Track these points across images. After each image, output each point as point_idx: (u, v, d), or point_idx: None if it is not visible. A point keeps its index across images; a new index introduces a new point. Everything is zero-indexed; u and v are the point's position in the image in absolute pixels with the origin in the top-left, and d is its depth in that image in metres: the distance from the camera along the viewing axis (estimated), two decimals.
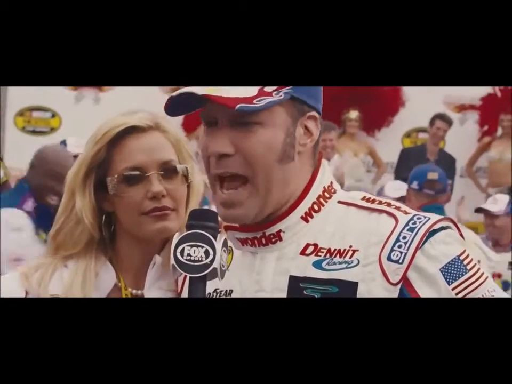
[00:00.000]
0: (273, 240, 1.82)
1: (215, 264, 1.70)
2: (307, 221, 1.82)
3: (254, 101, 1.72)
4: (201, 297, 1.72)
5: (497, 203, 6.82)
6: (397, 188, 6.34)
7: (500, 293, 1.78)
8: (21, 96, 8.98)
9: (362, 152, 9.68)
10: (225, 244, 1.74)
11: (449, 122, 9.44)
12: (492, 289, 1.76)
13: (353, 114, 9.67)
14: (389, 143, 9.89)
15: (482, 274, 1.77)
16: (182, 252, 1.71)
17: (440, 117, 9.44)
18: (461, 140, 9.72)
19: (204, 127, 1.82)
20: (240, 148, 1.76)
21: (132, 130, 2.05)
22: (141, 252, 2.10)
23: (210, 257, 1.70)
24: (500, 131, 9.86)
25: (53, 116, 9.60)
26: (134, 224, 2.06)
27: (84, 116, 9.32)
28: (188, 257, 1.71)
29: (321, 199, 1.84)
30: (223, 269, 1.74)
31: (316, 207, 1.83)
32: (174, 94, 1.75)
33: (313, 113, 1.81)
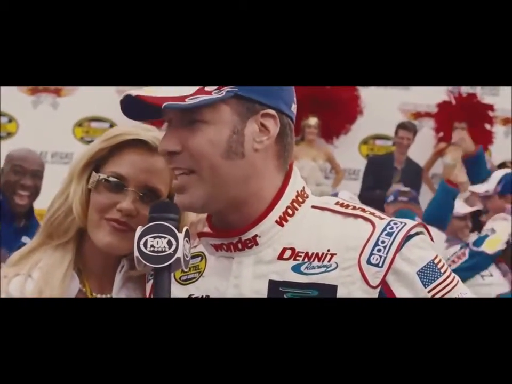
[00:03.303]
0: (249, 244, 1.84)
1: (179, 254, 1.72)
2: (282, 225, 1.84)
3: (186, 100, 1.75)
4: (167, 287, 1.73)
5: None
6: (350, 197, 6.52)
7: (470, 296, 1.84)
8: None
9: (321, 159, 9.72)
10: (187, 234, 1.76)
11: (411, 129, 9.51)
12: (464, 292, 1.82)
13: (312, 121, 9.69)
14: (347, 150, 9.96)
15: (454, 278, 1.82)
16: (145, 244, 1.73)
17: (402, 126, 9.54)
18: (418, 147, 9.82)
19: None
20: (186, 145, 1.79)
21: (140, 144, 2.06)
22: (105, 256, 2.10)
23: (173, 247, 1.73)
24: (455, 138, 10.01)
25: (10, 120, 9.52)
26: (93, 225, 2.07)
27: (41, 120, 9.27)
28: (151, 249, 1.73)
29: (294, 203, 1.86)
30: (187, 258, 1.76)
31: (289, 211, 1.85)
32: (121, 97, 1.79)
33: (269, 111, 1.82)
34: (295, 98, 1.89)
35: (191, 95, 1.76)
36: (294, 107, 1.88)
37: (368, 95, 9.78)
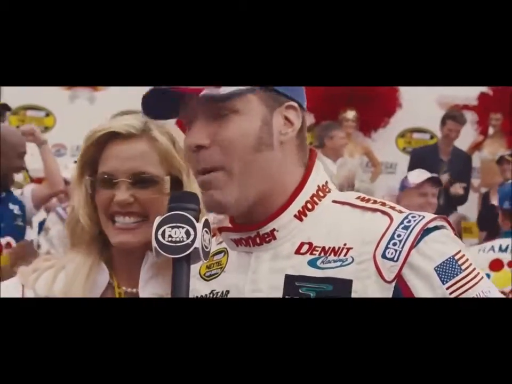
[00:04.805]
0: (267, 239, 1.81)
1: (197, 244, 1.69)
2: (301, 220, 1.81)
3: (220, 89, 1.73)
4: (185, 279, 1.71)
5: None
6: (419, 174, 6.19)
7: (495, 293, 1.77)
8: (15, 95, 8.98)
9: (358, 153, 9.67)
10: (206, 224, 1.73)
11: (461, 122, 9.18)
12: (486, 290, 1.75)
13: (350, 114, 9.66)
14: (383, 143, 9.90)
15: (477, 274, 1.75)
16: (163, 234, 1.71)
17: (452, 117, 9.19)
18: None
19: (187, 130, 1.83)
20: (215, 138, 1.76)
21: (116, 136, 2.07)
22: (127, 250, 2.09)
23: (191, 237, 1.69)
24: (491, 130, 9.86)
25: (47, 115, 9.61)
26: (104, 226, 2.09)
27: (78, 115, 9.32)
28: (169, 239, 1.70)
29: (315, 198, 1.83)
30: (206, 250, 1.73)
31: (309, 205, 1.82)
32: (146, 92, 1.77)
33: (292, 103, 1.81)
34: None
35: (221, 86, 1.74)
36: (305, 103, 1.88)
37: (406, 88, 9.70)
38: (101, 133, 2.07)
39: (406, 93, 9.75)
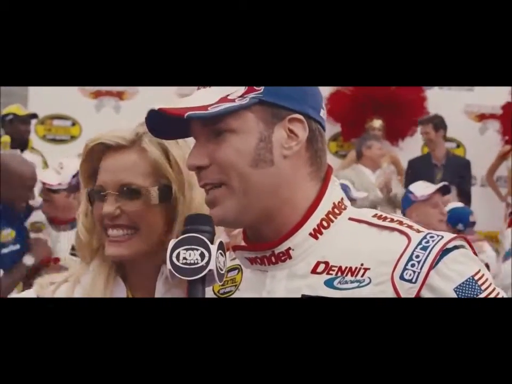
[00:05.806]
0: (282, 258, 1.79)
1: (211, 266, 1.70)
2: (316, 238, 1.79)
3: (209, 108, 1.72)
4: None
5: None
6: (425, 186, 6.20)
7: None
8: (41, 104, 9.04)
9: (386, 161, 9.62)
10: (220, 246, 1.73)
11: (427, 122, 9.26)
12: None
13: (377, 123, 9.62)
14: (409, 152, 9.84)
15: (497, 294, 1.74)
16: (177, 256, 1.71)
17: (419, 122, 9.40)
18: (482, 149, 9.65)
19: None
20: (214, 157, 1.76)
21: (108, 148, 2.06)
22: (144, 262, 2.08)
23: (206, 259, 1.70)
24: None
25: (73, 124, 9.65)
26: (102, 239, 2.09)
27: (104, 124, 9.32)
28: (184, 261, 1.71)
29: (330, 215, 1.81)
30: (221, 272, 1.73)
31: (325, 223, 1.80)
32: (146, 115, 1.78)
33: (296, 115, 1.77)
34: (323, 104, 1.85)
35: (213, 104, 1.73)
36: (323, 112, 1.83)
37: (432, 96, 9.66)
38: (92, 143, 2.07)
39: (432, 102, 9.70)
